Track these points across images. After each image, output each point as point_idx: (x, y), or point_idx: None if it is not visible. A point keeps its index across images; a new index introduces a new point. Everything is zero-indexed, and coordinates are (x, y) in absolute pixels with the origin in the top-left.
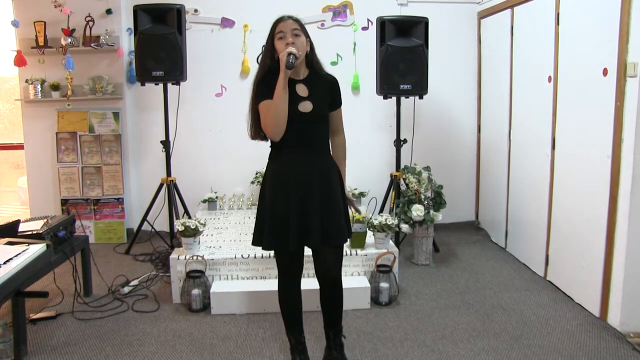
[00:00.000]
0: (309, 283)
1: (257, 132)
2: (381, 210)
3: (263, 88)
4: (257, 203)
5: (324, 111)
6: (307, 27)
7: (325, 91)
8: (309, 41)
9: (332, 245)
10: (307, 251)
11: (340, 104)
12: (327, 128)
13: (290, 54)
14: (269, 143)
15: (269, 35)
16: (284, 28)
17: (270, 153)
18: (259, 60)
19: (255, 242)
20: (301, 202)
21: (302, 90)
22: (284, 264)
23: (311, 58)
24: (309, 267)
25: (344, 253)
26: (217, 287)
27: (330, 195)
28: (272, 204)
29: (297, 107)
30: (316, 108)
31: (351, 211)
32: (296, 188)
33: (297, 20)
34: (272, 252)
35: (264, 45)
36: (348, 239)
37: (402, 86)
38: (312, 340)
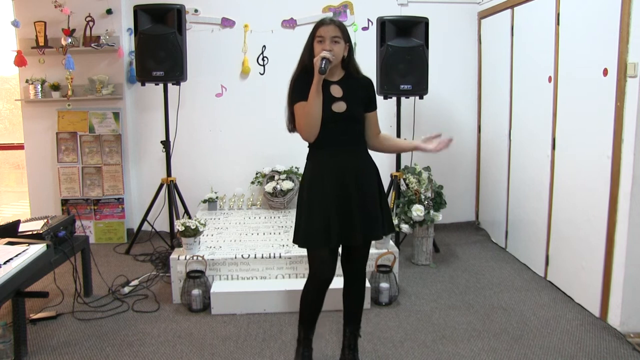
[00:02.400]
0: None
1: (295, 126)
2: None
3: (298, 87)
4: (297, 202)
5: (357, 112)
6: (307, 27)
7: (360, 92)
8: (349, 45)
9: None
10: None
11: (376, 107)
12: (362, 128)
13: (323, 58)
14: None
15: (310, 35)
16: (324, 33)
17: (308, 153)
18: (299, 59)
19: (294, 240)
20: (336, 201)
21: (336, 91)
22: (315, 264)
23: (348, 61)
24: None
25: None
26: (217, 287)
27: (365, 194)
28: (308, 203)
29: (331, 107)
30: (350, 108)
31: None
32: (331, 187)
33: (339, 26)
34: (274, 253)
35: (264, 46)
36: (387, 234)
37: (402, 86)
38: (315, 340)
